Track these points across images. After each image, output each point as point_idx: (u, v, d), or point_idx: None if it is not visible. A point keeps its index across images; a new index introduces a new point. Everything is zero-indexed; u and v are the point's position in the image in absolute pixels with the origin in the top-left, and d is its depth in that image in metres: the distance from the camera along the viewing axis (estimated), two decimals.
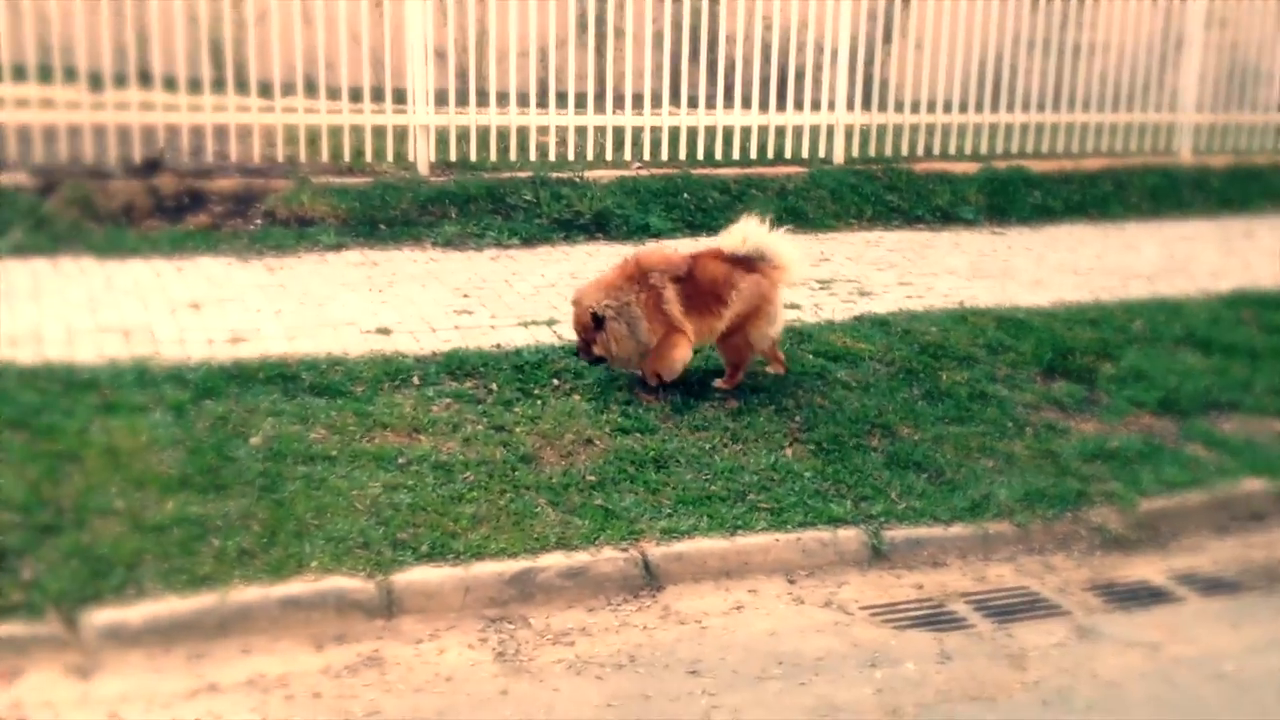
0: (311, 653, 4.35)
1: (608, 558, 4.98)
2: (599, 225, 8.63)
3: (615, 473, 5.52)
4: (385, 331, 6.53)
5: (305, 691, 4.14)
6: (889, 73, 10.47)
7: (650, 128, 9.59)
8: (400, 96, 9.07)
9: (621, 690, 4.29)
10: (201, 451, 5.18)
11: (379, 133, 8.95)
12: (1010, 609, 5.03)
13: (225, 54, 8.60)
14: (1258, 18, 11.55)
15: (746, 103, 9.85)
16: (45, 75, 8.29)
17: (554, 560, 4.90)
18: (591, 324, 5.99)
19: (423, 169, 8.97)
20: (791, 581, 5.13)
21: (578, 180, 8.98)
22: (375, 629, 4.52)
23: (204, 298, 6.75)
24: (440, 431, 5.64)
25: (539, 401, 6.00)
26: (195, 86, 8.50)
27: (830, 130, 10.15)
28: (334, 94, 8.92)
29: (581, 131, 9.44)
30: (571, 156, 9.39)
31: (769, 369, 6.49)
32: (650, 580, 4.99)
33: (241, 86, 8.61)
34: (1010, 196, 10.16)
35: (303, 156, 8.73)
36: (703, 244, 6.49)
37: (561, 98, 9.34)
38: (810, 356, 6.70)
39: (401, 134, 9.04)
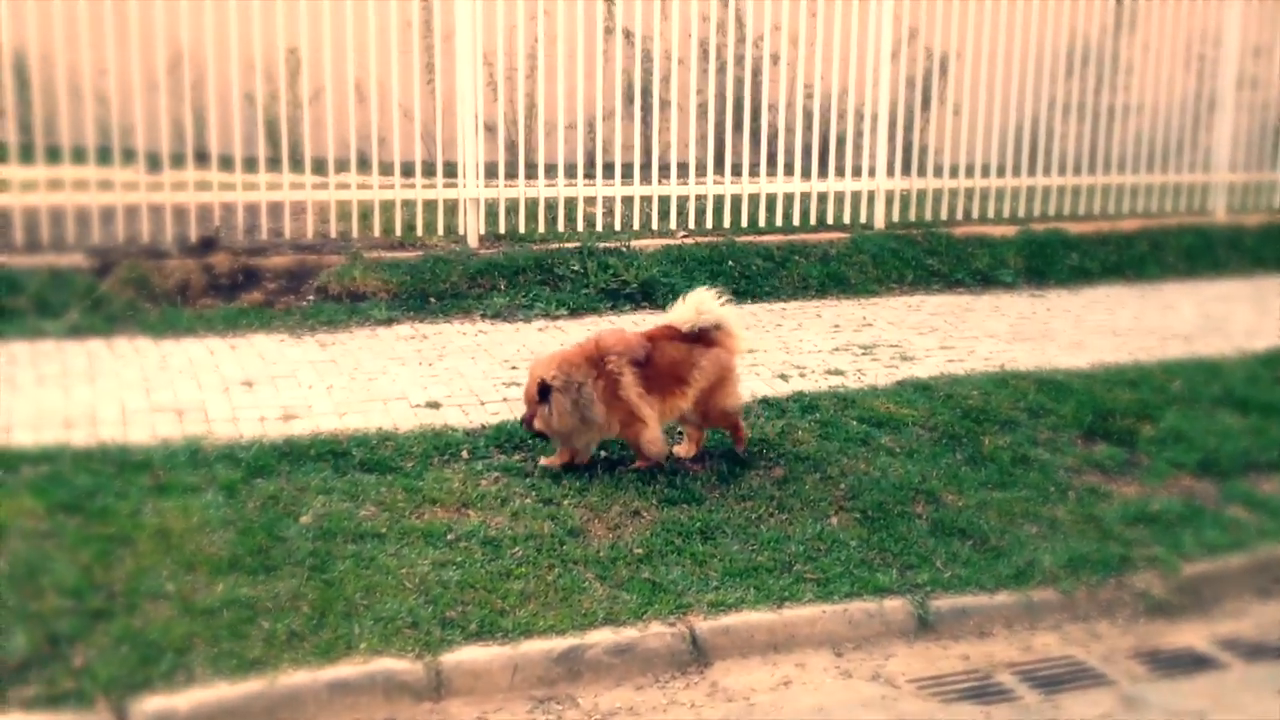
0: None
1: (655, 633, 4.83)
2: (645, 294, 8.54)
3: (662, 545, 5.40)
4: (435, 405, 6.45)
5: None
6: (928, 138, 10.38)
7: (695, 196, 9.54)
8: (450, 170, 9.07)
9: None
10: (252, 532, 5.09)
11: (430, 207, 8.94)
12: (1056, 679, 4.86)
13: (280, 132, 8.64)
14: None
15: (789, 170, 9.78)
16: (104, 156, 8.36)
17: (602, 637, 4.76)
18: (537, 396, 5.78)
19: (472, 242, 8.94)
20: (839, 654, 4.96)
21: (624, 250, 8.91)
22: (423, 712, 4.39)
23: (256, 375, 6.70)
24: (489, 506, 5.54)
25: (586, 474, 5.88)
26: (251, 165, 8.55)
27: (871, 196, 10.06)
28: (386, 169, 8.94)
29: (628, 201, 9.40)
30: (618, 226, 9.34)
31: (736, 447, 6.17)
32: (698, 655, 4.83)
33: (296, 164, 8.64)
34: (1048, 259, 9.98)
35: (355, 232, 8.73)
36: (660, 320, 6.25)
37: (608, 168, 9.31)
38: (854, 423, 6.55)
39: (452, 207, 9.03)
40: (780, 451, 6.23)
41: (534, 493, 5.68)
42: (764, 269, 9.09)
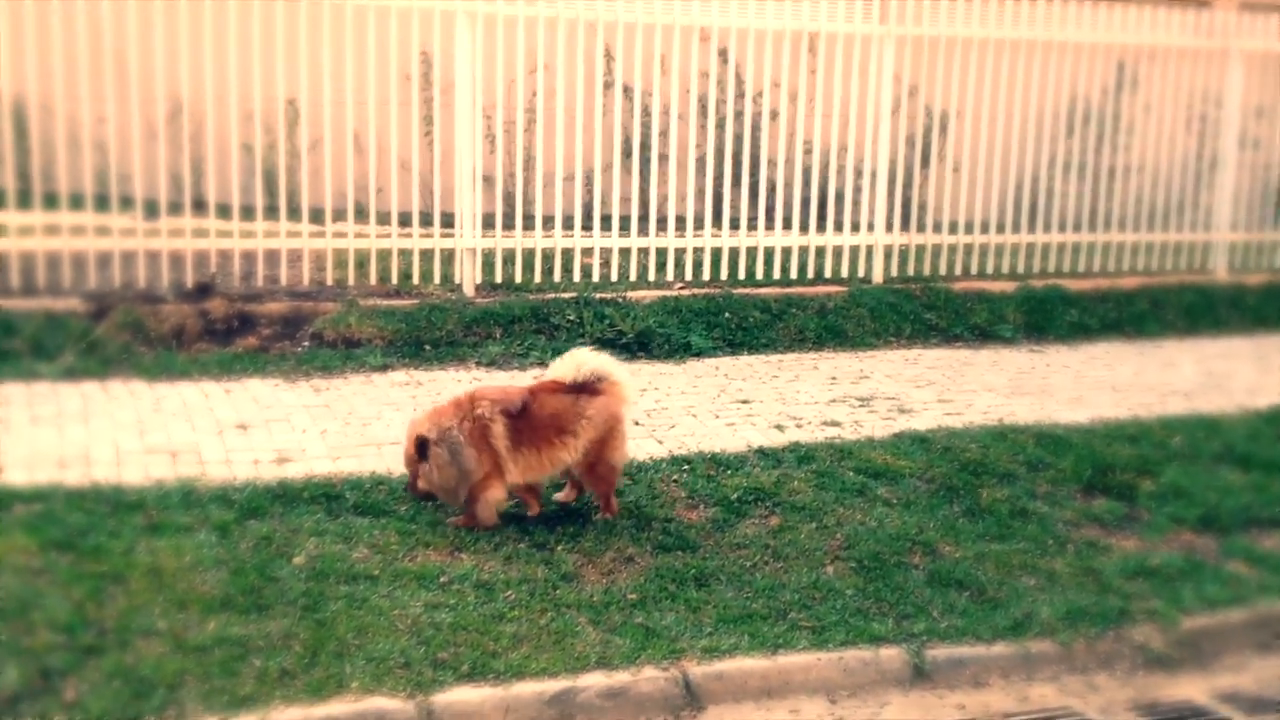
0: None
1: (648, 677, 4.92)
2: (641, 344, 8.70)
3: (656, 590, 5.50)
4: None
5: None
6: (927, 194, 10.60)
7: (693, 249, 9.73)
8: (447, 221, 9.26)
9: None
10: (244, 571, 5.20)
11: (426, 256, 9.12)
12: None
13: (278, 181, 8.84)
14: None
15: (787, 224, 9.97)
16: (102, 204, 8.56)
17: (595, 680, 4.84)
18: (416, 454, 5.74)
19: (468, 291, 9.11)
20: (833, 701, 5.04)
21: (620, 300, 9.08)
22: None
23: (251, 419, 6.83)
24: (482, 550, 5.65)
25: (580, 519, 6.00)
26: (248, 213, 8.74)
27: (869, 250, 10.26)
28: (383, 219, 9.13)
29: (625, 253, 9.59)
30: (615, 277, 9.52)
31: (598, 512, 6.08)
32: (691, 700, 4.91)
33: (293, 213, 8.84)
34: (1048, 315, 10.16)
35: (351, 279, 8.91)
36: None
37: (605, 220, 9.51)
38: (851, 473, 6.68)
39: (448, 257, 9.21)
40: (776, 501, 6.35)
41: (527, 537, 5.79)
42: (761, 320, 9.25)
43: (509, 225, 9.33)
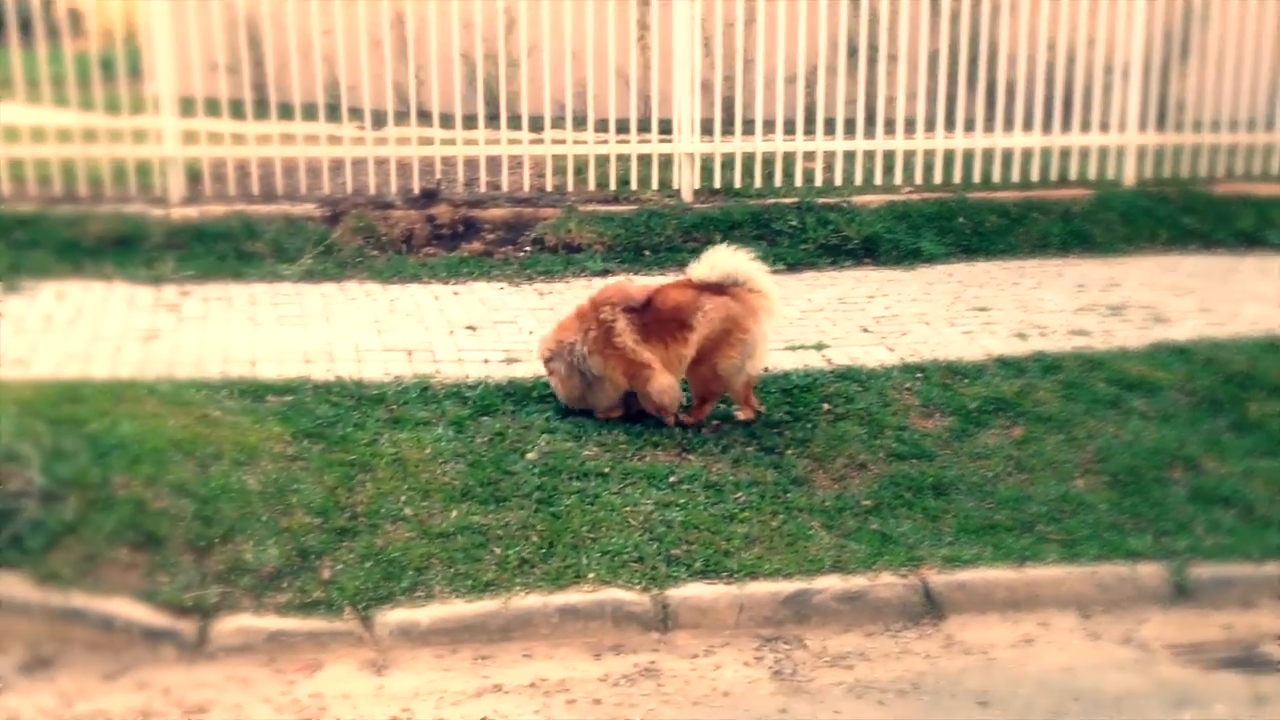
0: (590, 661, 4.48)
1: (886, 583, 4.94)
2: (867, 250, 8.59)
3: (891, 498, 5.50)
4: None
5: (585, 697, 4.26)
6: (1185, 90, 10.04)
7: (923, 151, 9.50)
8: (665, 126, 9.30)
9: (906, 717, 4.24)
10: (481, 465, 5.45)
11: (644, 161, 9.20)
12: None
13: (498, 89, 9.04)
14: None
15: (1026, 124, 9.63)
16: (332, 113, 8.96)
17: (830, 583, 4.90)
18: (547, 372, 5.92)
19: (686, 196, 9.15)
20: (1086, 616, 4.96)
21: (845, 205, 8.97)
22: (651, 641, 4.62)
23: (479, 320, 7.09)
24: (709, 452, 5.74)
25: (809, 425, 6.01)
26: (470, 121, 8.99)
27: (1120, 151, 9.82)
28: (601, 126, 9.24)
29: (849, 156, 9.44)
30: (838, 182, 9.40)
31: (737, 413, 6.05)
32: (931, 608, 4.91)
33: (513, 121, 9.04)
34: None
35: (570, 185, 9.07)
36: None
37: (829, 123, 9.36)
38: (1102, 385, 6.49)
39: (666, 162, 9.26)
40: (1019, 411, 6.23)
41: (755, 441, 5.85)
42: (998, 225, 9.00)
43: (727, 130, 9.30)
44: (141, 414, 5.51)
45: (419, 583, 4.69)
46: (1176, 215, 9.35)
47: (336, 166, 8.79)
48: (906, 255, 8.60)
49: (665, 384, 5.79)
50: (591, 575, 4.79)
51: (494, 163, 8.98)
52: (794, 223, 8.76)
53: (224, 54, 8.76)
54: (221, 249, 7.91)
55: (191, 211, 8.26)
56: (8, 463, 4.89)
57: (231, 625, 4.49)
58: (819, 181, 9.38)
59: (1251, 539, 5.32)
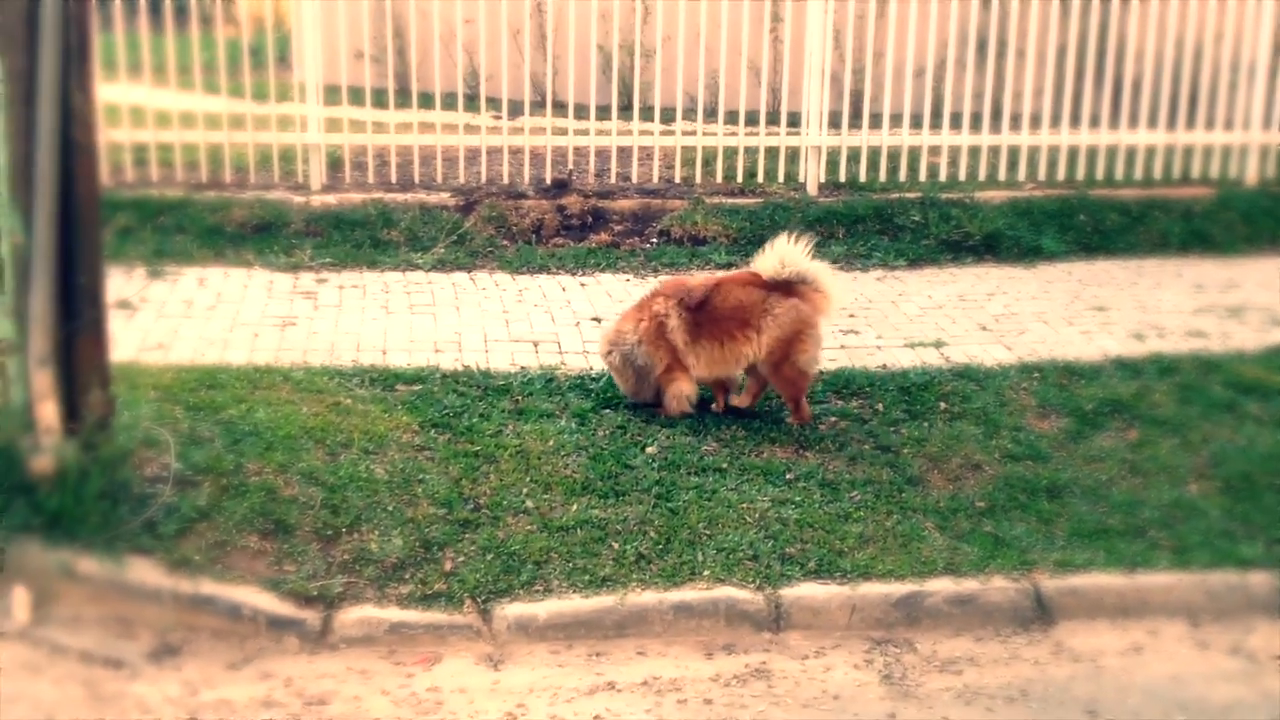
0: (702, 660, 4.39)
1: (998, 587, 4.76)
2: (989, 247, 8.32)
3: (1005, 500, 5.31)
4: None
5: (697, 697, 4.17)
6: None
7: (1046, 147, 9.16)
8: (791, 119, 9.11)
9: None
10: (602, 458, 5.39)
11: (771, 154, 9.03)
12: None
13: (631, 81, 8.95)
14: None
15: (1150, 121, 9.22)
16: (471, 103, 8.97)
17: (941, 586, 4.74)
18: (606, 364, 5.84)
19: (811, 189, 8.97)
20: (1195, 625, 4.73)
21: (967, 201, 8.70)
22: (763, 641, 4.51)
23: (605, 312, 7.02)
24: (826, 449, 5.61)
25: (925, 424, 5.84)
26: (603, 112, 8.92)
27: (1243, 150, 9.35)
28: (730, 118, 9.08)
29: (973, 151, 9.15)
30: (962, 177, 9.11)
31: (735, 401, 5.94)
32: (1041, 613, 4.73)
33: (645, 112, 8.94)
34: None
35: (697, 177, 8.96)
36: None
37: (954, 118, 9.08)
38: (1218, 388, 6.20)
39: (792, 155, 9.09)
40: (1134, 413, 5.99)
41: (872, 439, 5.70)
42: (1118, 224, 8.65)
43: (853, 123, 9.08)
44: (276, 401, 5.56)
45: (537, 576, 4.63)
46: None
47: (472, 156, 8.80)
48: (1027, 252, 8.31)
49: (683, 393, 5.73)
50: (706, 572, 4.70)
51: (624, 153, 8.91)
52: (916, 218, 8.53)
53: (369, 43, 8.79)
54: (358, 236, 7.98)
55: (331, 198, 8.34)
56: (145, 448, 4.89)
57: (354, 616, 4.42)
58: (943, 176, 9.11)
59: None
